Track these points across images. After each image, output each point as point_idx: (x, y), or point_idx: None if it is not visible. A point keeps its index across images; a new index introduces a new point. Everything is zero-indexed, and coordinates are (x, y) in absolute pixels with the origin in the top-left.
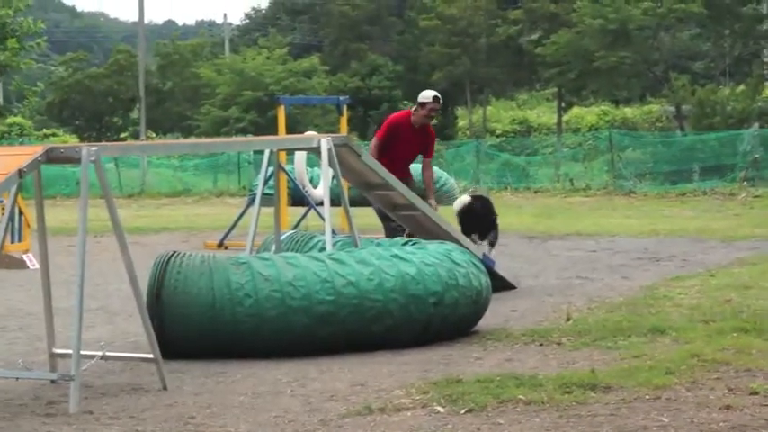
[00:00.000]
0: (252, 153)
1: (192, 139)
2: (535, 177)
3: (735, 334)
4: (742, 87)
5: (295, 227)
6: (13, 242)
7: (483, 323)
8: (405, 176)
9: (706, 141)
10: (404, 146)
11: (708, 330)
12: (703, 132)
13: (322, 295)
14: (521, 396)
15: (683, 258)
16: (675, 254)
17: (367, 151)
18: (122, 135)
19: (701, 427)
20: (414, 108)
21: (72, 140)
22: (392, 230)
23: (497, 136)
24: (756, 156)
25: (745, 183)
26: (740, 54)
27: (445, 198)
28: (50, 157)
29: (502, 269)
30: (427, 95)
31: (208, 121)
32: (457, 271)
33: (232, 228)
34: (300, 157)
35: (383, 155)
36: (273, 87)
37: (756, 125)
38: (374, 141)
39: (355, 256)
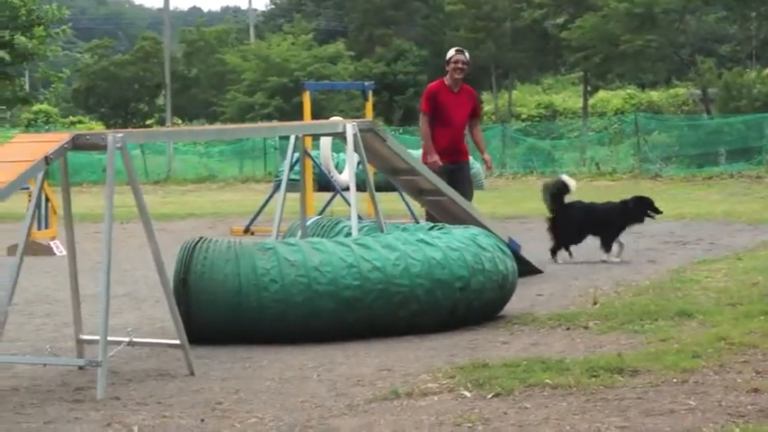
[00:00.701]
0: (277, 139)
1: (218, 126)
2: (561, 161)
3: (762, 317)
4: None
5: (321, 212)
6: (39, 229)
7: (509, 307)
8: (463, 148)
9: (732, 124)
10: (451, 110)
11: (735, 314)
12: (730, 115)
13: (348, 280)
14: (547, 380)
15: (709, 242)
16: (702, 237)
17: (418, 130)
18: (148, 122)
19: (728, 411)
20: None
21: (98, 127)
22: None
23: (523, 120)
24: None
25: None
26: (766, 37)
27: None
28: (77, 144)
29: (528, 253)
30: (450, 51)
31: (233, 108)
32: (483, 255)
33: (258, 213)
34: (326, 142)
35: (436, 126)
36: (299, 73)
37: None
38: (421, 118)
39: (381, 241)
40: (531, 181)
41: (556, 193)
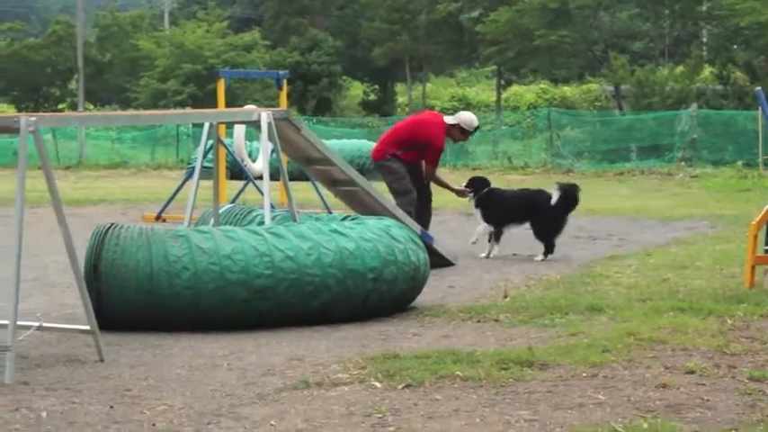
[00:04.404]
0: (190, 126)
1: (131, 111)
2: (474, 155)
3: (671, 313)
4: (681, 68)
5: (233, 200)
6: None
7: (421, 299)
8: None
9: (644, 121)
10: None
11: (645, 309)
12: (642, 112)
13: (260, 269)
14: (458, 372)
15: (620, 237)
16: (613, 233)
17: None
18: (60, 106)
19: (637, 405)
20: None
21: (9, 111)
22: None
23: None
24: (694, 136)
25: (682, 163)
26: (679, 34)
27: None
28: None
29: (440, 245)
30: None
31: (146, 94)
32: (395, 247)
33: (170, 200)
34: (240, 130)
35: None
36: (213, 61)
37: (694, 105)
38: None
39: (294, 230)
40: (442, 174)
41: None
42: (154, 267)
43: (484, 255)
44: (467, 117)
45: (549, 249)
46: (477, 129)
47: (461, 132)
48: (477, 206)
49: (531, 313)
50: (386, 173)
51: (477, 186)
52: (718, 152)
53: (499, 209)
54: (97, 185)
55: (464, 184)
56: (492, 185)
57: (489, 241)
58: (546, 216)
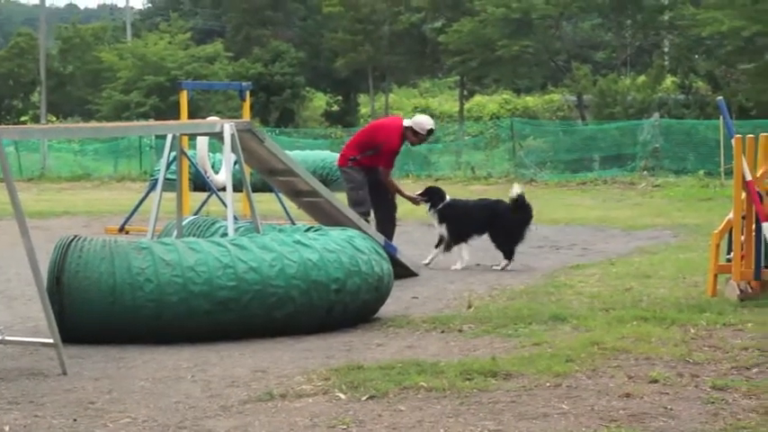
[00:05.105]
0: (153, 138)
1: (94, 124)
2: (437, 165)
3: (634, 322)
4: (643, 78)
5: (196, 212)
6: None
7: (385, 310)
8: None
9: (607, 131)
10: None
11: (608, 319)
12: (604, 122)
13: (223, 281)
14: (422, 383)
15: (583, 247)
16: (576, 242)
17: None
18: (22, 118)
19: (601, 415)
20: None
21: None
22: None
23: None
24: (656, 146)
25: (645, 172)
26: (641, 44)
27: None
28: None
29: (403, 256)
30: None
31: (109, 106)
32: (359, 257)
33: (133, 212)
34: (203, 142)
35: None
36: (176, 72)
37: (657, 115)
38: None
39: (257, 242)
40: (406, 185)
41: None
42: (117, 279)
43: (426, 261)
44: (419, 119)
45: (508, 257)
46: (431, 132)
47: (414, 134)
48: (440, 222)
49: (494, 323)
50: (345, 180)
51: (433, 196)
52: (680, 162)
53: (461, 221)
54: (60, 197)
55: (418, 192)
56: (447, 196)
57: (436, 247)
58: (505, 225)
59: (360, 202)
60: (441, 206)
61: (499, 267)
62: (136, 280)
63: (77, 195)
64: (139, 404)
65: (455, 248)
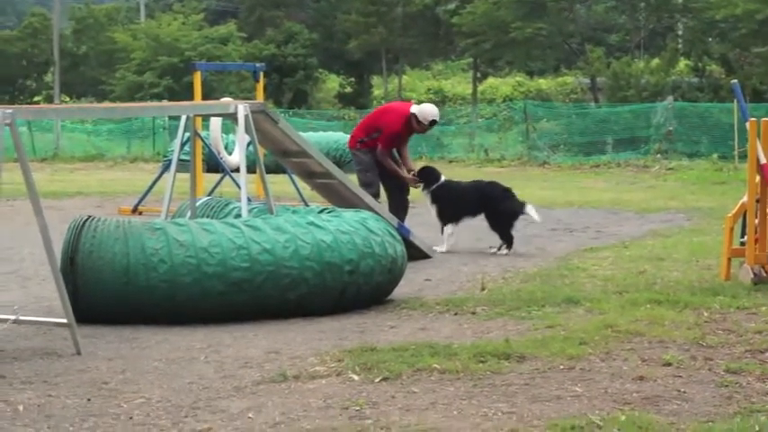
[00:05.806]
0: (166, 119)
1: (107, 104)
2: (450, 147)
3: (648, 305)
4: (656, 60)
5: (210, 193)
6: None
7: (398, 292)
8: None
9: (620, 113)
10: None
11: (621, 301)
12: (617, 105)
13: (237, 262)
14: (435, 365)
15: (596, 230)
16: (589, 225)
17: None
18: (36, 99)
19: (614, 398)
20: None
21: None
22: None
23: None
24: (670, 128)
25: (658, 155)
26: (655, 27)
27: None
28: None
29: (417, 238)
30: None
31: (122, 86)
32: (372, 239)
33: (147, 193)
34: (216, 123)
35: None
36: (189, 53)
37: (670, 98)
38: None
39: (271, 223)
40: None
41: None
42: (131, 260)
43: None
44: (424, 109)
45: (507, 240)
46: (433, 123)
47: (417, 123)
48: (432, 202)
49: (508, 306)
50: (354, 161)
51: (427, 177)
52: (694, 145)
53: (453, 202)
54: (73, 178)
55: (413, 173)
56: (442, 178)
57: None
58: (500, 208)
59: (368, 183)
60: (434, 187)
61: (502, 252)
62: (150, 260)
63: (91, 176)
64: (153, 384)
65: (445, 229)
